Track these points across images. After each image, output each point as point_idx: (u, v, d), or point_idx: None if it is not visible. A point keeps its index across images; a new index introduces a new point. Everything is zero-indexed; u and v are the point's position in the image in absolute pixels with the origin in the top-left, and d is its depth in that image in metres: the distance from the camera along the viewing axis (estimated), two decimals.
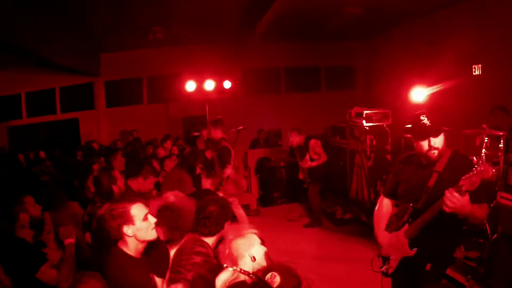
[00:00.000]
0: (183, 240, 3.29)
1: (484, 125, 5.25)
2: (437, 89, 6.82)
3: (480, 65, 7.35)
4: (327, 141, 9.48)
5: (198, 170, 5.91)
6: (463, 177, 2.73)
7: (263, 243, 2.89)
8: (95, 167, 5.88)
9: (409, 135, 3.31)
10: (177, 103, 12.06)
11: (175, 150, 8.85)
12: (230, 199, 6.81)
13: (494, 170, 2.70)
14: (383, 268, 3.53)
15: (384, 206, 3.63)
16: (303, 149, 8.11)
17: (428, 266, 3.18)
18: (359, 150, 8.03)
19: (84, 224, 4.53)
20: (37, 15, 7.39)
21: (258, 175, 10.60)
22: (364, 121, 7.73)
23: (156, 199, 3.74)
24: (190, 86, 10.24)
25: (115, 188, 4.79)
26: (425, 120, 3.09)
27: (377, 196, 7.68)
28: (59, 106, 12.29)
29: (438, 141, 3.09)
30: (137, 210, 2.75)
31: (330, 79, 13.30)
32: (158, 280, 2.95)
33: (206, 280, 2.93)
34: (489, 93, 7.29)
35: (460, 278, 3.10)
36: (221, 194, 5.46)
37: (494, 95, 7.07)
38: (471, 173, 2.70)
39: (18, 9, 6.66)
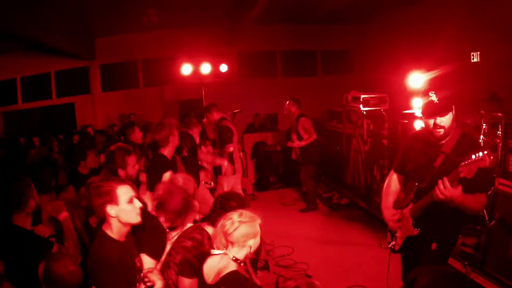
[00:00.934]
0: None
1: (483, 111, 5.24)
2: (435, 74, 6.78)
3: (478, 52, 7.31)
4: (324, 125, 9.47)
5: (184, 152, 5.87)
6: (462, 164, 2.71)
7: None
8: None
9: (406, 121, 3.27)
10: (173, 87, 12.01)
11: None
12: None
13: (492, 158, 2.67)
14: (391, 244, 3.53)
15: (393, 182, 3.59)
16: (294, 123, 8.06)
17: (433, 246, 3.17)
18: (356, 135, 8.02)
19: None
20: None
21: (254, 160, 10.60)
22: (361, 106, 7.71)
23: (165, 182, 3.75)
24: (186, 69, 10.15)
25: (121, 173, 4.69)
26: (433, 97, 3.00)
27: (373, 181, 7.72)
28: (55, 91, 12.21)
29: (445, 120, 3.00)
30: (123, 192, 2.71)
31: (326, 63, 13.25)
32: (150, 262, 2.93)
33: (191, 266, 2.93)
34: (488, 80, 7.27)
35: (457, 265, 3.11)
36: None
37: (493, 82, 7.05)
38: (470, 160, 2.67)
39: None
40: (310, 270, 5.54)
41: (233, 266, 2.67)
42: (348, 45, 12.83)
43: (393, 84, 7.70)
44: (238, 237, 2.65)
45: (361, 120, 7.81)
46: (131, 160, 4.37)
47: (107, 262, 2.58)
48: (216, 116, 7.08)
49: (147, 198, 3.83)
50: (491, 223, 3.27)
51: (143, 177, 4.86)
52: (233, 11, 9.83)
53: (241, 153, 10.93)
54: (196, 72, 10.22)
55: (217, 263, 2.70)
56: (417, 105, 6.66)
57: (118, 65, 12.33)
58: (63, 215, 3.47)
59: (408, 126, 6.76)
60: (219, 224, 2.73)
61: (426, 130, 3.18)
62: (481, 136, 4.74)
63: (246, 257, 2.72)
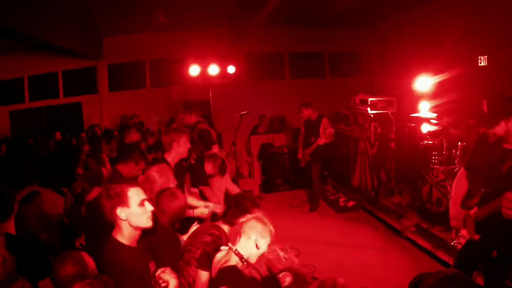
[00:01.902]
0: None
1: None
2: (442, 78, 6.77)
3: (486, 56, 7.27)
4: None
5: (191, 160, 5.92)
6: None
7: (271, 246, 2.92)
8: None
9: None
10: (180, 87, 12.01)
11: None
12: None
13: None
14: (454, 242, 3.55)
15: (463, 179, 3.57)
16: (314, 123, 8.04)
17: (494, 253, 3.16)
18: (363, 138, 8.02)
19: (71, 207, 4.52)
20: None
21: (261, 161, 10.60)
22: (369, 108, 7.72)
23: None
24: (194, 70, 10.18)
25: (104, 171, 4.69)
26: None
27: (380, 183, 7.71)
28: (62, 90, 12.26)
29: None
30: (135, 194, 2.64)
31: (334, 65, 13.20)
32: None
33: (210, 259, 2.98)
34: (495, 84, 7.23)
35: None
36: None
37: (501, 86, 7.01)
38: None
39: None
40: (316, 272, 5.53)
41: (234, 261, 2.70)
42: (356, 48, 12.79)
43: (400, 87, 7.70)
44: (245, 227, 2.82)
45: (368, 123, 7.81)
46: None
47: (119, 269, 2.50)
48: (193, 118, 7.09)
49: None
50: None
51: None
52: (241, 12, 9.83)
53: (248, 155, 11.04)
54: (203, 73, 10.24)
55: (221, 257, 2.81)
56: (425, 108, 6.65)
57: (126, 65, 12.34)
58: None
59: (415, 130, 6.75)
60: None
61: (500, 132, 3.13)
62: None
63: (251, 255, 2.75)
